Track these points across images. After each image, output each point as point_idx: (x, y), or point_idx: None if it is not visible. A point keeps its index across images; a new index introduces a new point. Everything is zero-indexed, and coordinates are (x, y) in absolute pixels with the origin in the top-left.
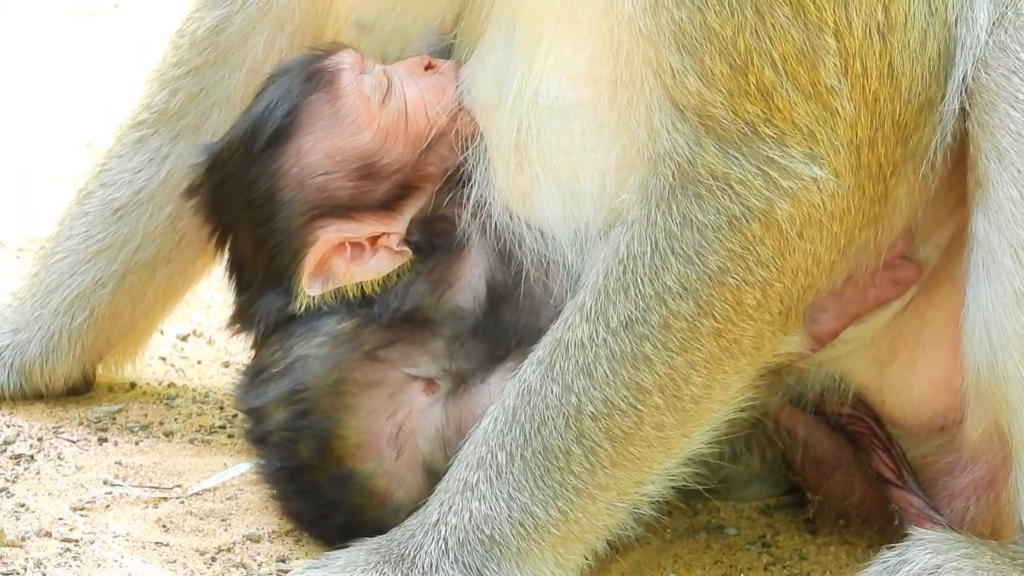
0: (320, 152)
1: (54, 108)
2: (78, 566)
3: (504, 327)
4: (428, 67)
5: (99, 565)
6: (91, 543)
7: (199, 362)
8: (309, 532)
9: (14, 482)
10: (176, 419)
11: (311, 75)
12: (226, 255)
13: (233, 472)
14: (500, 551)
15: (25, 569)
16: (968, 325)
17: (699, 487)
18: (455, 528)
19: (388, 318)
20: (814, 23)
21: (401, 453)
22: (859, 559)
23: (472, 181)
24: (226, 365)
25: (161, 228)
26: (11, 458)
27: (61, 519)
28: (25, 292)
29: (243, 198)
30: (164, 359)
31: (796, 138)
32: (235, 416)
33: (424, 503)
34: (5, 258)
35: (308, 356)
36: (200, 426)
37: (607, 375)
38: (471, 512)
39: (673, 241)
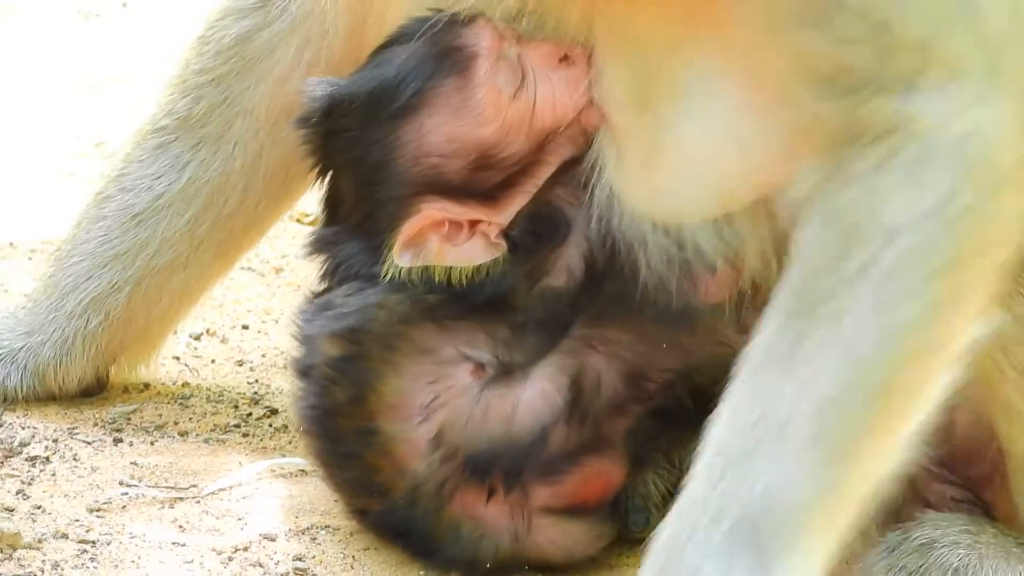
0: (441, 135)
1: (63, 109)
2: (95, 567)
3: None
4: (564, 58)
5: (116, 566)
6: (108, 544)
7: (213, 361)
8: (324, 474)
9: (30, 484)
10: (191, 419)
11: (446, 53)
12: (324, 186)
13: (249, 471)
14: None
15: (43, 571)
16: None
17: None
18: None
19: (476, 300)
20: None
21: (428, 425)
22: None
23: (593, 177)
24: (240, 364)
25: (179, 234)
26: (27, 460)
27: (77, 520)
28: (39, 294)
29: (355, 155)
30: (178, 359)
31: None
32: (250, 415)
33: None
34: (18, 260)
35: (382, 307)
36: (215, 425)
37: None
38: None
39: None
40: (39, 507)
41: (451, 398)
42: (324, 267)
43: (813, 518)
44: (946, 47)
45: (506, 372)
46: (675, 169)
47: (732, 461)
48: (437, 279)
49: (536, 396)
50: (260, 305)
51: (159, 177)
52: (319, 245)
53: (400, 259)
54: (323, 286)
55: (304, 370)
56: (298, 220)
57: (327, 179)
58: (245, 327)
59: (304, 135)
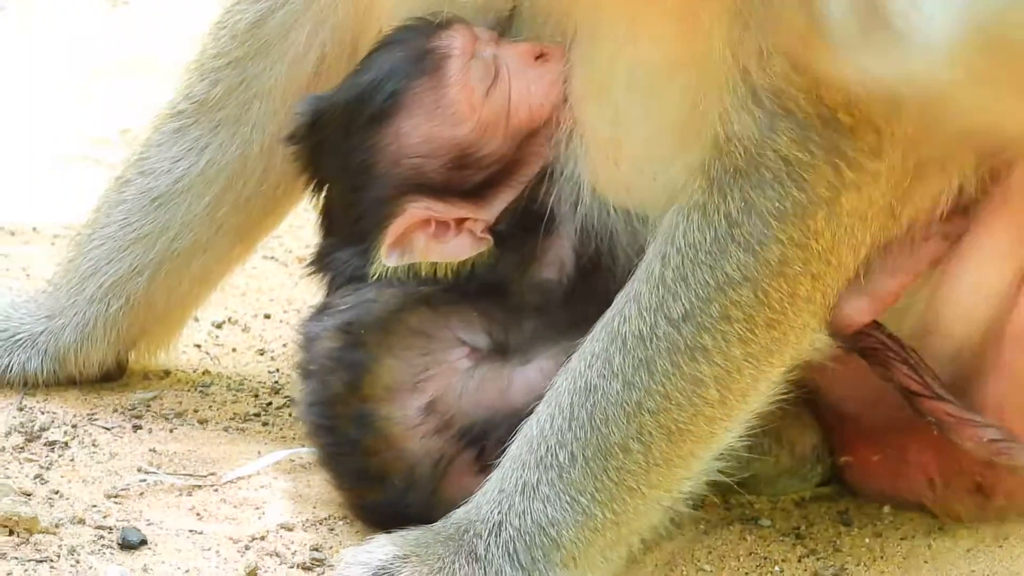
0: (419, 136)
1: (89, 96)
2: (111, 553)
3: (585, 306)
4: (540, 56)
5: (132, 552)
6: (125, 530)
7: (234, 350)
8: (327, 470)
9: (48, 469)
10: (211, 407)
11: (421, 55)
12: (319, 200)
13: (268, 460)
14: (560, 553)
15: (59, 556)
16: None
17: (731, 482)
18: (520, 531)
19: (469, 289)
20: None
21: (422, 407)
22: (892, 550)
23: (568, 172)
24: (261, 353)
25: (199, 218)
26: (45, 444)
27: (95, 506)
28: (60, 279)
29: (339, 162)
30: (199, 346)
31: (866, 130)
32: (269, 404)
33: (474, 497)
34: (40, 245)
35: (376, 300)
36: (235, 414)
37: (667, 368)
38: (534, 514)
39: (734, 228)
40: (57, 492)
41: (445, 373)
42: (324, 278)
43: (587, 543)
44: None
45: (502, 352)
46: (632, 160)
47: (519, 485)
48: (425, 275)
49: (534, 371)
50: (282, 295)
51: (178, 160)
52: (318, 258)
53: (388, 259)
54: (325, 295)
55: (306, 370)
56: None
57: (321, 192)
58: (267, 316)
59: (294, 151)
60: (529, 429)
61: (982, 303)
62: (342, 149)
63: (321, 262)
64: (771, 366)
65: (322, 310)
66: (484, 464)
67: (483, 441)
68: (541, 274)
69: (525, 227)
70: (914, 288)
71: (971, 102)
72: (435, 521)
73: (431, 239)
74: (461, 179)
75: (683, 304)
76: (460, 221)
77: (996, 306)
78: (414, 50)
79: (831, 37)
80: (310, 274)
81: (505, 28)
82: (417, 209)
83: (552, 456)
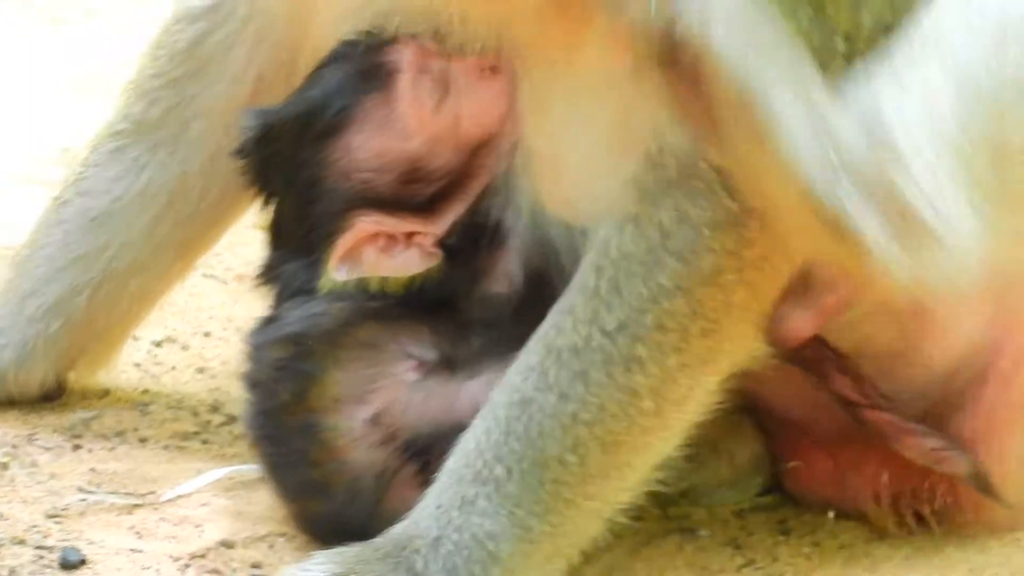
0: (368, 151)
1: (30, 116)
2: (51, 573)
3: (533, 320)
4: (489, 70)
5: (72, 572)
6: (65, 550)
7: (173, 368)
8: (272, 481)
9: None
10: (150, 426)
11: (368, 71)
12: (268, 213)
13: (208, 478)
14: (499, 567)
15: None
16: None
17: (669, 492)
18: (459, 546)
19: (419, 304)
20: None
21: (367, 418)
22: (830, 559)
23: (514, 186)
24: (200, 371)
25: (138, 236)
26: None
27: (35, 527)
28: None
29: (288, 176)
30: (138, 365)
31: None
32: (209, 422)
33: (412, 513)
34: None
35: (326, 314)
36: (174, 432)
37: (602, 380)
38: (472, 528)
39: (667, 239)
40: None
41: (392, 386)
42: (272, 291)
43: (525, 556)
44: None
45: (450, 365)
46: (572, 174)
47: (456, 499)
48: (374, 290)
49: (481, 386)
50: (222, 313)
51: (117, 180)
52: (265, 271)
53: (337, 273)
54: (272, 307)
55: (252, 381)
56: (262, 228)
57: (269, 205)
58: (207, 334)
59: (242, 165)
60: (466, 443)
61: (964, 340)
62: (291, 163)
63: (269, 274)
64: (706, 375)
65: (269, 322)
66: (427, 477)
67: (427, 454)
68: (490, 288)
69: (474, 241)
70: (874, 311)
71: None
72: (378, 534)
73: (380, 253)
74: (411, 193)
75: (617, 315)
76: (409, 235)
77: (979, 345)
78: (363, 65)
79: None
80: (257, 286)
81: (451, 42)
82: (366, 223)
83: (489, 470)
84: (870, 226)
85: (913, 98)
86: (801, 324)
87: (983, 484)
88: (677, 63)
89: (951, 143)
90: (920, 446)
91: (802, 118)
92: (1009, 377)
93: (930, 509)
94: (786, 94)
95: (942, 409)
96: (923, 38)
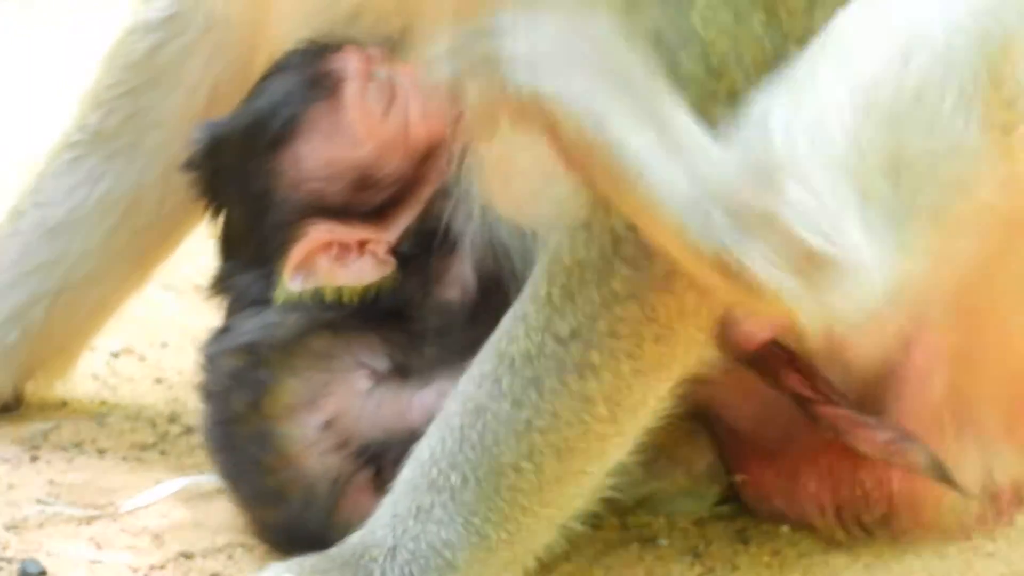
0: (317, 160)
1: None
2: None
3: (487, 327)
4: None
5: None
6: (24, 562)
7: (131, 379)
8: (230, 491)
9: None
10: (108, 437)
11: (315, 80)
12: (218, 224)
13: (166, 489)
14: (455, 575)
15: None
16: None
17: (628, 501)
18: (415, 554)
19: (373, 314)
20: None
21: (320, 424)
22: (790, 567)
23: (465, 190)
24: (158, 381)
25: (95, 247)
26: None
27: None
28: None
29: (238, 188)
30: (96, 376)
31: None
32: (167, 433)
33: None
34: None
35: (280, 324)
36: (133, 443)
37: (556, 387)
38: (429, 538)
39: (620, 244)
40: None
41: (344, 393)
42: (224, 302)
43: (482, 564)
44: None
45: (402, 374)
46: (522, 177)
47: (411, 508)
48: (329, 300)
49: (433, 394)
50: (179, 323)
51: (73, 190)
52: (217, 282)
53: (291, 283)
54: (225, 318)
55: (208, 391)
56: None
57: (220, 218)
58: (164, 345)
59: (192, 178)
60: (420, 452)
61: (877, 342)
62: (241, 175)
63: (220, 285)
64: (660, 381)
65: (224, 332)
66: (382, 483)
67: (380, 461)
68: (443, 295)
69: (426, 246)
70: None
71: None
72: (335, 541)
73: (334, 262)
74: (362, 201)
75: (570, 322)
76: (362, 243)
77: (892, 345)
78: (309, 74)
79: None
80: (209, 297)
81: (398, 49)
82: (319, 232)
83: (444, 478)
84: (756, 262)
85: (804, 116)
86: (755, 328)
87: (941, 473)
88: (524, 115)
89: (843, 163)
90: (874, 439)
91: (659, 153)
92: (925, 374)
93: (870, 518)
94: (638, 131)
95: (873, 408)
96: (824, 49)
